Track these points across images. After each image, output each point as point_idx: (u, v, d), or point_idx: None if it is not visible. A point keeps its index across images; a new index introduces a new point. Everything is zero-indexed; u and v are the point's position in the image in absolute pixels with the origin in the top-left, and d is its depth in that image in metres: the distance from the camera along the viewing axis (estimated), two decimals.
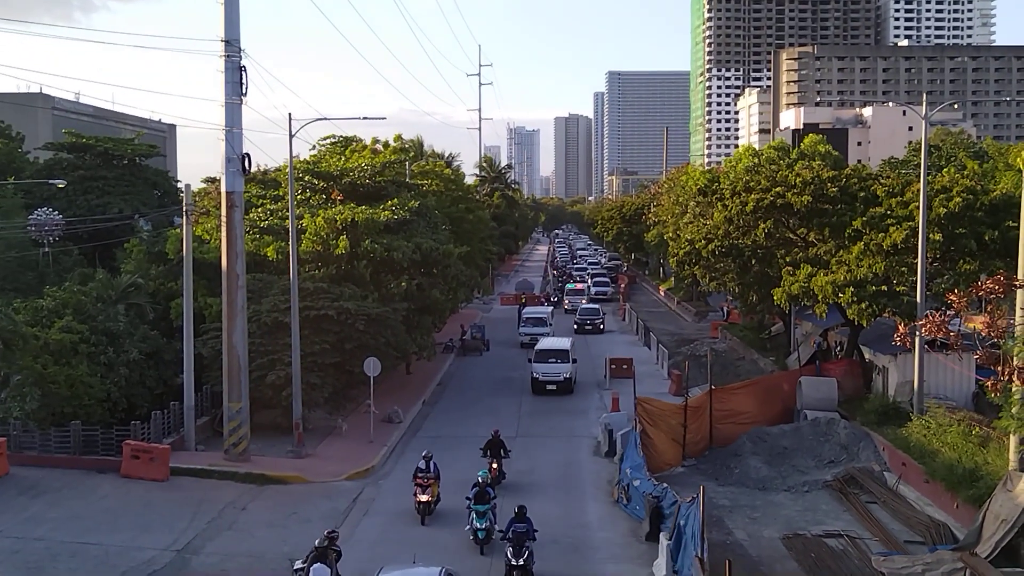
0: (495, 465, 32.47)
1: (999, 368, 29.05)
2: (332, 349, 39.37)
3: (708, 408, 36.96)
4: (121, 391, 35.67)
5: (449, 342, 62.55)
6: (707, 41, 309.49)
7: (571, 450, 38.57)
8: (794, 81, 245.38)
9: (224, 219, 34.83)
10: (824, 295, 38.85)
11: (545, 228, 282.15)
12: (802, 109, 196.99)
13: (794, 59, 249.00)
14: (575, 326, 72.15)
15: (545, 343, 53.38)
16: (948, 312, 30.85)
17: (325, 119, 41.90)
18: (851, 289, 37.81)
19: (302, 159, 57.13)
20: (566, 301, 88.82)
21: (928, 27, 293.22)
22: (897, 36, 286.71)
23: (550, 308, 72.20)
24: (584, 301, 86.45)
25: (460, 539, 27.17)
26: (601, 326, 73.34)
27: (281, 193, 49.21)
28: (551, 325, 66.16)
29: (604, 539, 27.72)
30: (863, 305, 37.73)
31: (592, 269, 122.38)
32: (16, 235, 53.04)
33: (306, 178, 50.64)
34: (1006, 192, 43.38)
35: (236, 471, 33.42)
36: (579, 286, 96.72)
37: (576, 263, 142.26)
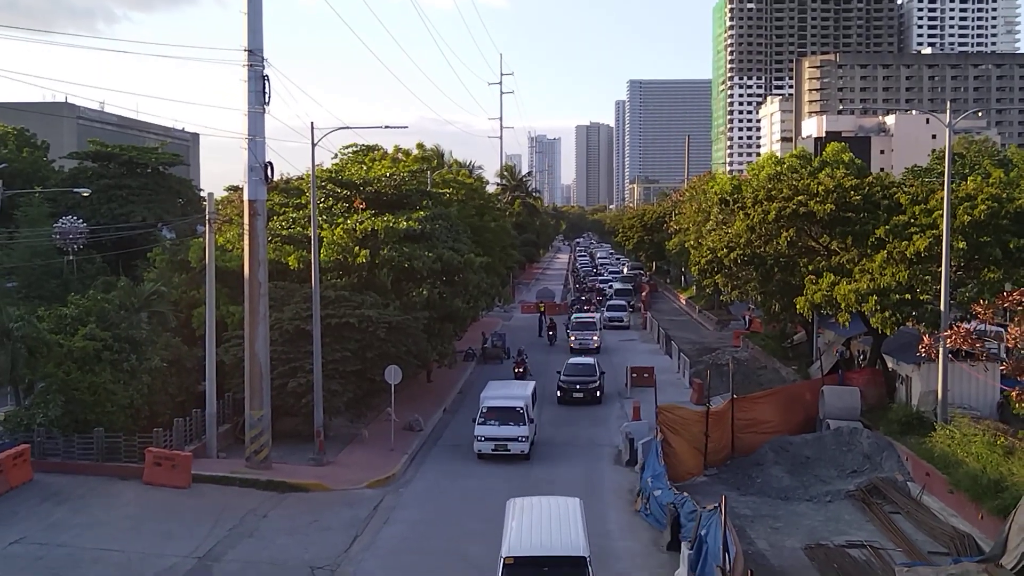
0: None
1: None
2: (353, 357, 39.46)
3: (730, 417, 36.81)
4: (143, 398, 35.85)
5: (469, 350, 62.59)
6: (729, 49, 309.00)
7: (592, 459, 38.47)
8: (816, 89, 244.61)
9: (247, 227, 34.97)
10: (847, 304, 38.63)
11: (566, 236, 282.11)
12: (824, 117, 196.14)
13: (816, 67, 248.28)
14: (558, 393, 49.27)
15: (526, 528, 22.69)
16: (973, 321, 30.68)
17: (347, 128, 42.10)
18: (874, 298, 37.58)
19: (324, 168, 57.44)
20: (572, 337, 67.90)
21: (952, 34, 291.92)
22: (920, 44, 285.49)
23: (530, 385, 44.18)
24: (595, 339, 67.38)
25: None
26: (598, 392, 49.21)
27: (303, 201, 49.40)
28: (532, 421, 39.65)
29: (625, 548, 27.61)
30: (886, 314, 37.49)
31: (614, 282, 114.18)
32: (41, 243, 53.50)
33: (328, 186, 50.84)
34: None
35: (258, 478, 33.50)
36: (589, 316, 73.36)
37: (598, 275, 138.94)
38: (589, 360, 53.13)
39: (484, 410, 38.81)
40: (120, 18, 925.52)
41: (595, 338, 67.55)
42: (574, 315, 76.13)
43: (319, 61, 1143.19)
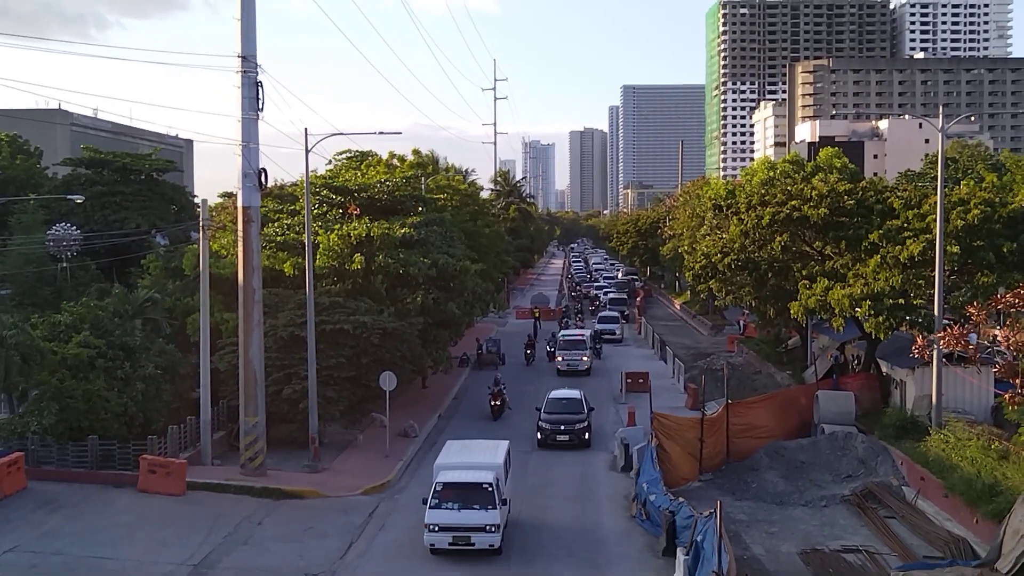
0: None
1: (1018, 382, 28.94)
2: (348, 363, 39.43)
3: (725, 422, 36.83)
4: (138, 406, 35.79)
5: (464, 356, 62.55)
6: (722, 54, 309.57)
7: (587, 464, 38.43)
8: (809, 94, 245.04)
9: (241, 234, 34.96)
10: (841, 308, 38.70)
11: (560, 242, 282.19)
12: (818, 122, 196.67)
13: (809, 72, 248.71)
14: (538, 435, 41.43)
15: None
16: (967, 325, 30.76)
17: (341, 134, 42.09)
18: (868, 302, 37.66)
19: (318, 174, 57.40)
20: (559, 357, 60.55)
21: (944, 39, 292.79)
22: (913, 48, 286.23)
23: (502, 449, 31.31)
24: (584, 359, 59.86)
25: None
26: (587, 434, 41.27)
27: (298, 208, 49.40)
28: (505, 504, 28.33)
29: (620, 554, 27.61)
30: (880, 318, 37.57)
31: (608, 290, 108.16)
32: (35, 250, 53.37)
33: (323, 193, 50.83)
34: None
35: (252, 485, 33.44)
36: (578, 334, 64.34)
37: (593, 280, 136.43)
38: (574, 393, 44.13)
39: (438, 487, 27.68)
40: (112, 24, 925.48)
41: (584, 359, 60.01)
42: (561, 332, 67.26)
43: (313, 67, 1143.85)
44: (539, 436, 41.40)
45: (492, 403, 47.51)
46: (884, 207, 42.02)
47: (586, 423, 41.65)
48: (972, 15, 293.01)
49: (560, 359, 60.52)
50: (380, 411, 40.54)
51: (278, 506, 31.99)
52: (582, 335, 63.95)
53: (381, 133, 41.99)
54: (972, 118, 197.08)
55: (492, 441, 32.93)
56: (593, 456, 39.57)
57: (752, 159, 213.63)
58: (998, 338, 29.30)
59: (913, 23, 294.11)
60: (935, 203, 37.03)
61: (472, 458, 30.00)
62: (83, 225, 61.08)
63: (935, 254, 35.78)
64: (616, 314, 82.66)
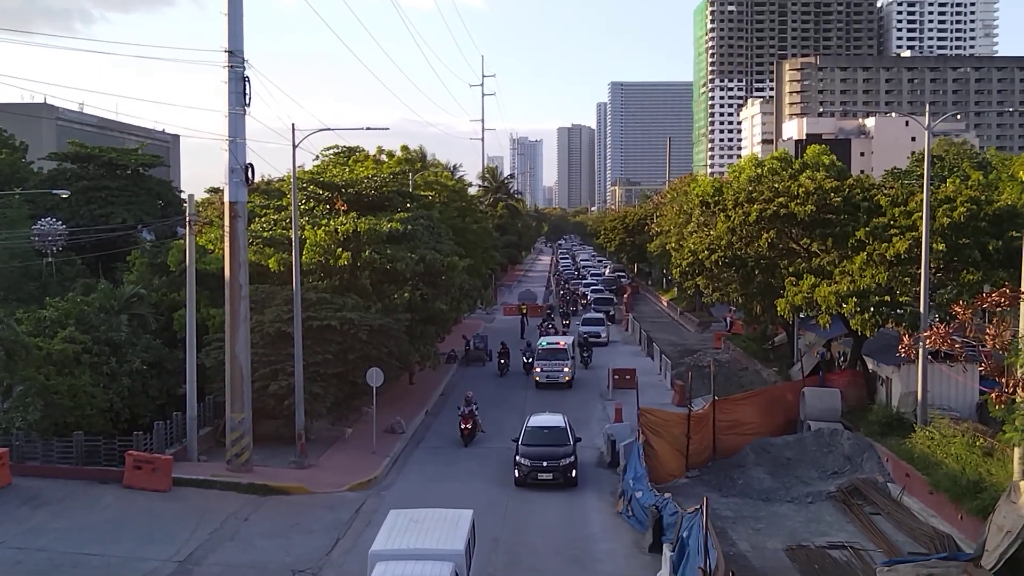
0: None
1: (1003, 380, 29.04)
2: (335, 359, 39.38)
3: (711, 419, 36.90)
4: (124, 401, 35.67)
5: (451, 352, 62.53)
6: (710, 52, 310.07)
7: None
8: (797, 92, 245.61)
9: (227, 229, 34.86)
10: (827, 305, 38.82)
11: (548, 238, 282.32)
12: (805, 119, 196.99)
13: (797, 69, 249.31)
14: (515, 473, 34.66)
15: None
16: (952, 323, 30.86)
17: (328, 130, 41.93)
18: (854, 299, 37.78)
19: (306, 169, 57.27)
20: (537, 368, 54.66)
21: (931, 37, 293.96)
22: (900, 46, 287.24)
23: (464, 522, 22.75)
24: (565, 370, 54.27)
25: None
26: (573, 471, 34.50)
27: (284, 203, 49.28)
28: None
29: (607, 550, 27.64)
30: (866, 315, 37.69)
31: (595, 287, 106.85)
32: (19, 245, 53.08)
33: (310, 188, 50.73)
34: (1010, 203, 43.41)
35: (239, 481, 33.37)
36: (560, 343, 57.25)
37: (581, 278, 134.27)
38: (558, 421, 37.40)
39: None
40: (97, 18, 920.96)
41: (565, 369, 54.29)
42: (540, 339, 60.99)
43: (300, 63, 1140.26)
44: (516, 474, 34.61)
45: (463, 427, 41.46)
46: (871, 204, 42.15)
47: (572, 457, 34.93)
48: (959, 13, 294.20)
49: (539, 370, 54.50)
50: (367, 407, 40.45)
51: (264, 502, 31.93)
52: (563, 343, 57.39)
53: (368, 128, 42.08)
54: (958, 116, 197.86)
55: (451, 512, 23.87)
56: (579, 452, 39.16)
57: (739, 156, 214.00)
58: (985, 334, 29.41)
59: (900, 21, 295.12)
60: (921, 201, 37.15)
61: (423, 540, 21.49)
62: (69, 220, 60.74)
63: (921, 251, 35.91)
64: (601, 315, 78.42)
